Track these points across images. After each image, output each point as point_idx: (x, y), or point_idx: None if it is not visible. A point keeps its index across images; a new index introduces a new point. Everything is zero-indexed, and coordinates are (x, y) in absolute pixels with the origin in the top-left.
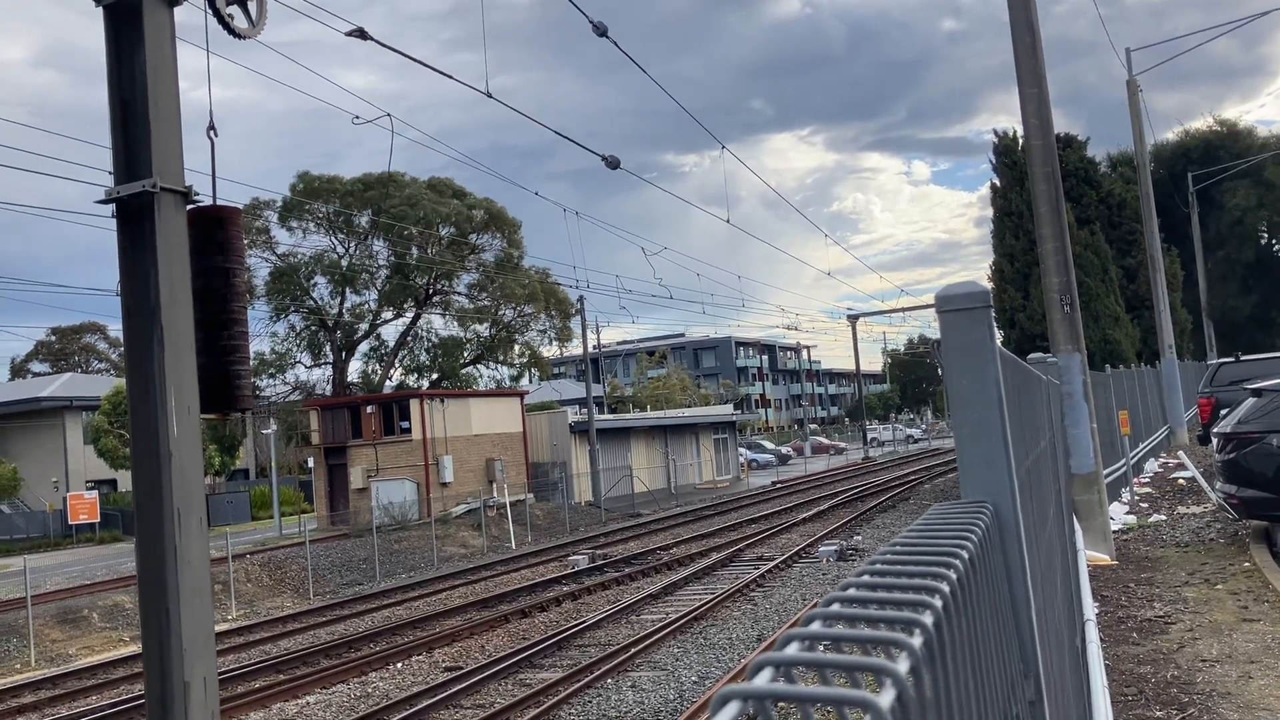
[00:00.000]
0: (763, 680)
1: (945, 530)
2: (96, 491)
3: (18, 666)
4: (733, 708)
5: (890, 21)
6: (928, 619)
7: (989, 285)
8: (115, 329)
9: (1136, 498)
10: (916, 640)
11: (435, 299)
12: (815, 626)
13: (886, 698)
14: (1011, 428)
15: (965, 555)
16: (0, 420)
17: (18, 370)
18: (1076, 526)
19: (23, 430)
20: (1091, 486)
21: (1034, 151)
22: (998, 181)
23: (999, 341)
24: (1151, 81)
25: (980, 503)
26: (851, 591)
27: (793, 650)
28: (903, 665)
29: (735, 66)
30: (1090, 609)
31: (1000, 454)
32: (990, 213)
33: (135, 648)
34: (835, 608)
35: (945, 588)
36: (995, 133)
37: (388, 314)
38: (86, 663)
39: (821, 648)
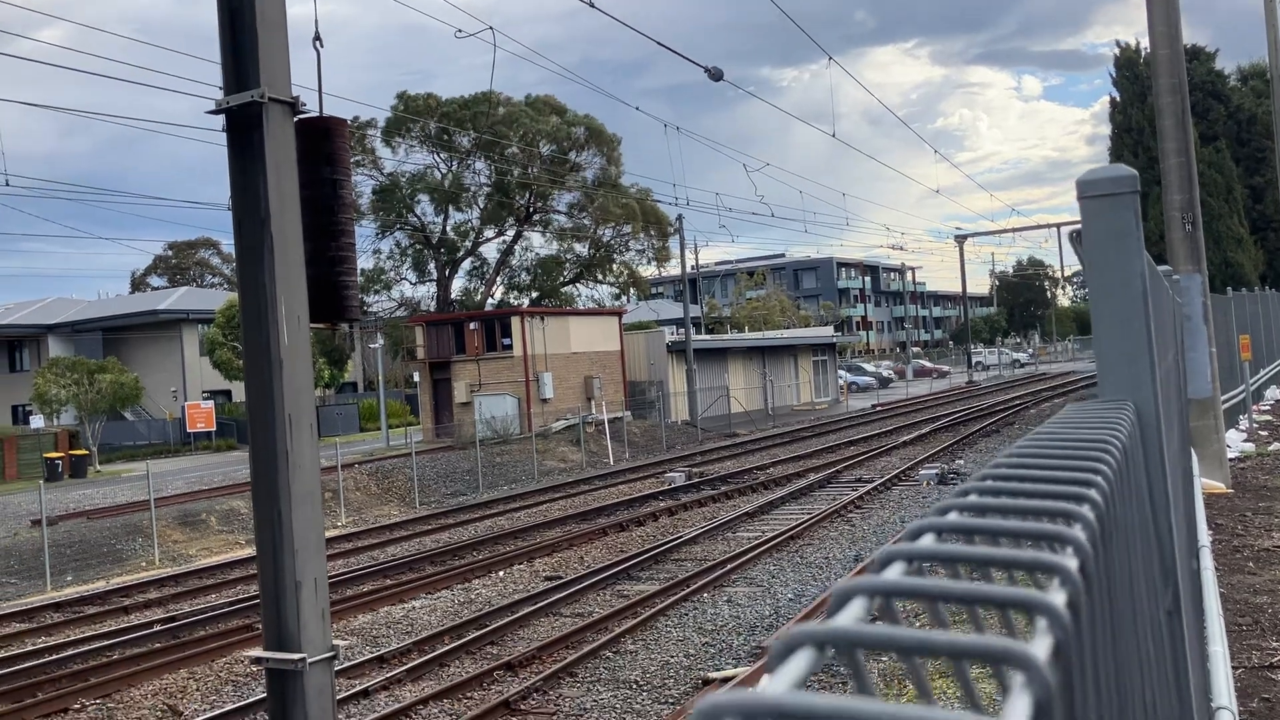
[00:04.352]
0: (894, 573)
1: (1089, 426)
2: (212, 401)
3: (143, 565)
4: (858, 604)
5: None
6: (1094, 500)
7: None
8: (228, 244)
9: (1255, 425)
10: (1088, 512)
11: (535, 218)
12: (953, 517)
13: (1072, 561)
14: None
15: (1119, 445)
16: (122, 331)
17: (138, 284)
18: (1191, 452)
19: (143, 341)
20: (1208, 412)
21: (1160, 62)
22: (1117, 96)
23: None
24: None
25: (1121, 401)
26: (989, 483)
27: (927, 541)
28: (1080, 534)
29: None
30: (1205, 535)
31: (1143, 350)
32: (1106, 130)
33: (250, 550)
34: (973, 499)
35: (1107, 470)
36: (1117, 44)
37: (489, 232)
38: (205, 563)
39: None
